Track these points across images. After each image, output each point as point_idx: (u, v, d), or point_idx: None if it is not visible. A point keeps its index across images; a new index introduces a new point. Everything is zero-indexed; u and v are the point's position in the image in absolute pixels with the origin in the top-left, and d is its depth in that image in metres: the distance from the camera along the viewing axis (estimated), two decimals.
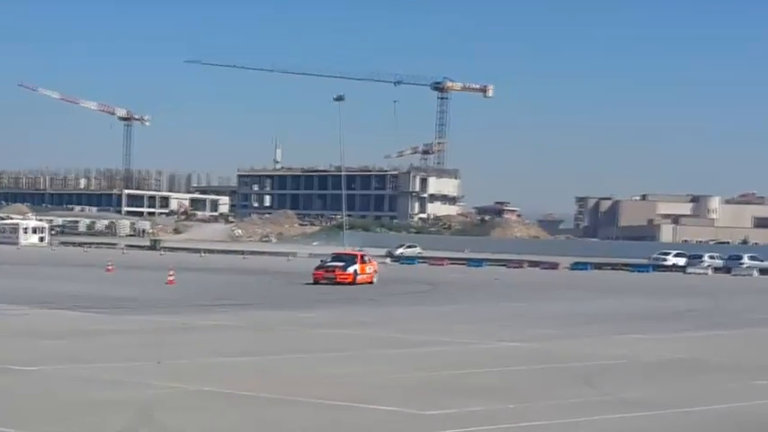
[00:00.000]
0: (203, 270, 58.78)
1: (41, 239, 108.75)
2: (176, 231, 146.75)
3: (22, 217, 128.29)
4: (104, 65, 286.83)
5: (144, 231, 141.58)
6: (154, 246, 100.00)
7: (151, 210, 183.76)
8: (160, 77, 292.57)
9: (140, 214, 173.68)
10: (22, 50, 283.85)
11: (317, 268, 47.26)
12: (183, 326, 25.81)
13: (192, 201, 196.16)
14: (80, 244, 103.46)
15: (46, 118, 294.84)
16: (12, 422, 12.37)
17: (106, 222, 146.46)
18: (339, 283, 44.82)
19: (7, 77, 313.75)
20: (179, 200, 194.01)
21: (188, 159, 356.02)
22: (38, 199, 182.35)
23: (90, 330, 24.07)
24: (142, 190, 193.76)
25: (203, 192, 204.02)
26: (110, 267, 54.03)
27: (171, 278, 42.96)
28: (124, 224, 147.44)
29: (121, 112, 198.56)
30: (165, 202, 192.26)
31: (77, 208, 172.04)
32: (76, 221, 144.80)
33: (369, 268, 48.19)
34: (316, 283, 45.18)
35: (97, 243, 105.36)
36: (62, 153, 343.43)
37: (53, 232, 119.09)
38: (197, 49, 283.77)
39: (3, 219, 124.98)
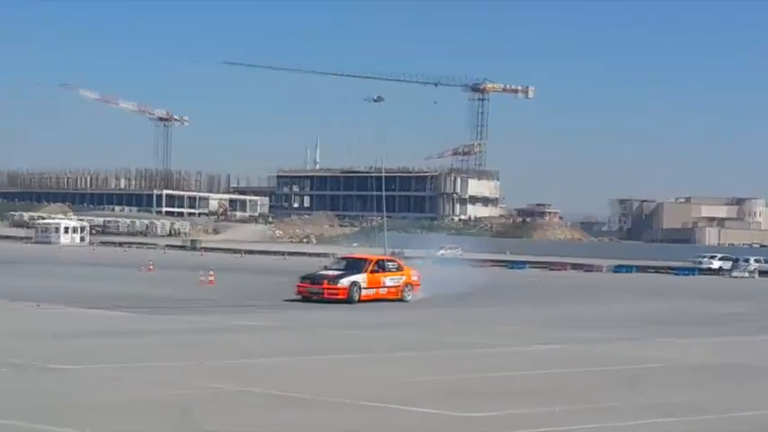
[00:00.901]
0: (242, 270, 58.99)
1: (82, 239, 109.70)
2: (215, 232, 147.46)
3: (62, 216, 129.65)
4: (142, 66, 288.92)
5: (183, 232, 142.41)
6: (193, 246, 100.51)
7: (190, 210, 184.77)
8: (199, 78, 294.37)
9: (179, 215, 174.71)
10: (62, 51, 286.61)
11: (303, 279, 35.48)
12: (223, 326, 25.91)
13: (231, 201, 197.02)
14: (120, 244, 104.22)
15: (86, 118, 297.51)
16: (51, 421, 12.47)
17: (146, 222, 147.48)
18: (327, 301, 33.72)
19: (50, 78, 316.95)
20: (218, 200, 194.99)
21: (227, 160, 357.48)
22: (78, 199, 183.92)
23: (130, 330, 24.24)
24: (181, 190, 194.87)
25: (242, 192, 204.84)
26: (150, 267, 54.39)
27: (211, 278, 43.14)
28: (163, 224, 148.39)
29: (160, 113, 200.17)
30: (203, 202, 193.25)
31: (117, 208, 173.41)
32: (116, 221, 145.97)
33: (391, 280, 35.97)
34: (303, 299, 34.30)
35: (137, 243, 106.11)
36: (102, 153, 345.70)
37: (93, 232, 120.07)
38: (235, 50, 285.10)
39: (44, 218, 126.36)
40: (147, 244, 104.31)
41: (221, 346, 21.70)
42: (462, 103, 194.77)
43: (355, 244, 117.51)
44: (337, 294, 33.93)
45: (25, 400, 13.97)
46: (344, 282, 34.41)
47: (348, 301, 33.83)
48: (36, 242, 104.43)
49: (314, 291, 34.29)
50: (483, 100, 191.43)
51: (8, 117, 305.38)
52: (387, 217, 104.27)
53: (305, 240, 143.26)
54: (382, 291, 35.47)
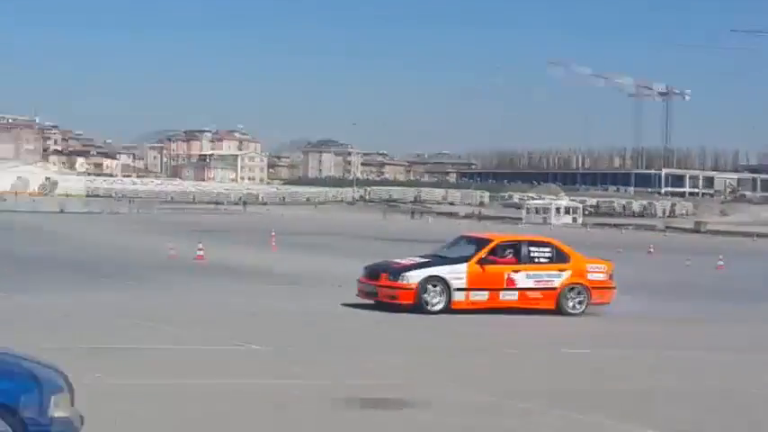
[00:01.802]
0: (755, 255, 56.26)
1: (574, 220, 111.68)
2: (722, 213, 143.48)
3: (554, 197, 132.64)
4: (637, 39, 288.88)
5: (684, 213, 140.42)
6: (698, 228, 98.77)
7: (693, 190, 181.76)
8: (701, 50, 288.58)
9: (681, 195, 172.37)
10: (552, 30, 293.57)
11: (365, 270, 23.11)
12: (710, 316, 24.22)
13: (740, 180, 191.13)
14: (615, 225, 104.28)
15: (577, 95, 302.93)
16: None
17: (643, 203, 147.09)
18: (393, 306, 21.59)
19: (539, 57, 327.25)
20: (725, 179, 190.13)
21: (735, 136, 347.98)
22: (570, 179, 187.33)
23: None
24: (683, 169, 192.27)
25: (753, 170, 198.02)
26: (650, 251, 53.42)
27: (720, 264, 41.86)
28: (662, 205, 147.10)
29: (660, 88, 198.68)
30: (708, 181, 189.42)
31: (612, 188, 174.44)
32: (611, 201, 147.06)
33: (530, 277, 22.20)
34: (378, 303, 22.11)
35: (634, 225, 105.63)
36: (594, 131, 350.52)
37: (586, 213, 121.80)
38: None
39: (534, 199, 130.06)
40: (644, 226, 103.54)
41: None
42: None
43: None
44: (397, 298, 21.64)
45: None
46: (413, 276, 21.65)
47: (417, 308, 21.31)
48: (527, 222, 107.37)
49: (368, 289, 22.35)
50: None
51: (494, 99, 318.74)
52: None
53: None
54: (507, 295, 22.11)
